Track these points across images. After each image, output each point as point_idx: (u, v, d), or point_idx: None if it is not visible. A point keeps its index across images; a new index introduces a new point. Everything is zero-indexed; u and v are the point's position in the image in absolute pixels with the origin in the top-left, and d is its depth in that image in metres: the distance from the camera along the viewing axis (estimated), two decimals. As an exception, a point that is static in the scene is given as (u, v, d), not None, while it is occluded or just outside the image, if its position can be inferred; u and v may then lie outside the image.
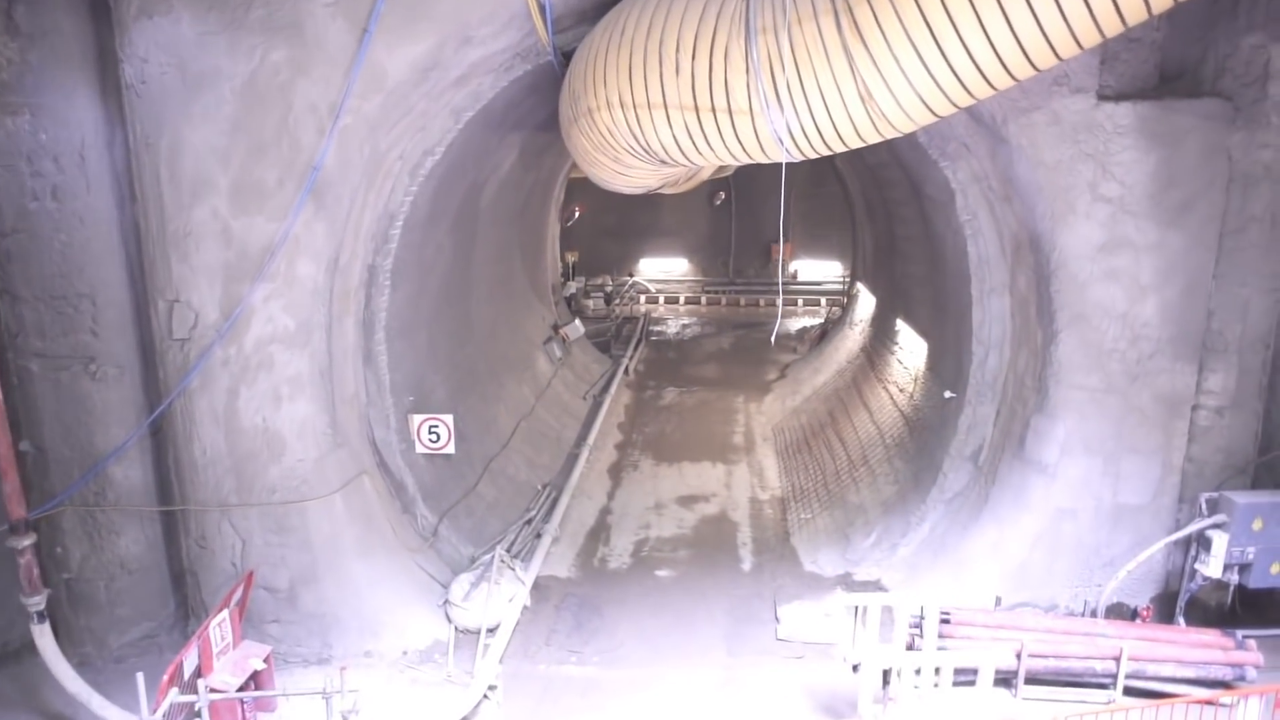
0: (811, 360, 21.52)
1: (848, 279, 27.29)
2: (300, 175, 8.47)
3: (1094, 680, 8.42)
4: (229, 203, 8.44)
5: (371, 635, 9.40)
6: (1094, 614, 9.43)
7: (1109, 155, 8.83)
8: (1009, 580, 9.69)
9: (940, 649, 8.03)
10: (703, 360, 24.39)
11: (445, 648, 9.49)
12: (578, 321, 22.80)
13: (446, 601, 9.89)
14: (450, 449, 11.06)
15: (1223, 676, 8.37)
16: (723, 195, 31.60)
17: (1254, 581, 8.85)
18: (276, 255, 8.54)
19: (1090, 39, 6.39)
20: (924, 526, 10.96)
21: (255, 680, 8.07)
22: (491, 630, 9.50)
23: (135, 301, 9.02)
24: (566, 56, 9.74)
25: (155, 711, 6.72)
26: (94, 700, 7.75)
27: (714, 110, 7.48)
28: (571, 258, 30.40)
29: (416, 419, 10.93)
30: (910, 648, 8.09)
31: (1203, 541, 8.92)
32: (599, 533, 12.98)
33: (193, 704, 7.11)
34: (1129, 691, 8.33)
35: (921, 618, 8.10)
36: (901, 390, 14.64)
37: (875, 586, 10.61)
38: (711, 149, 7.86)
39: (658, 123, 7.86)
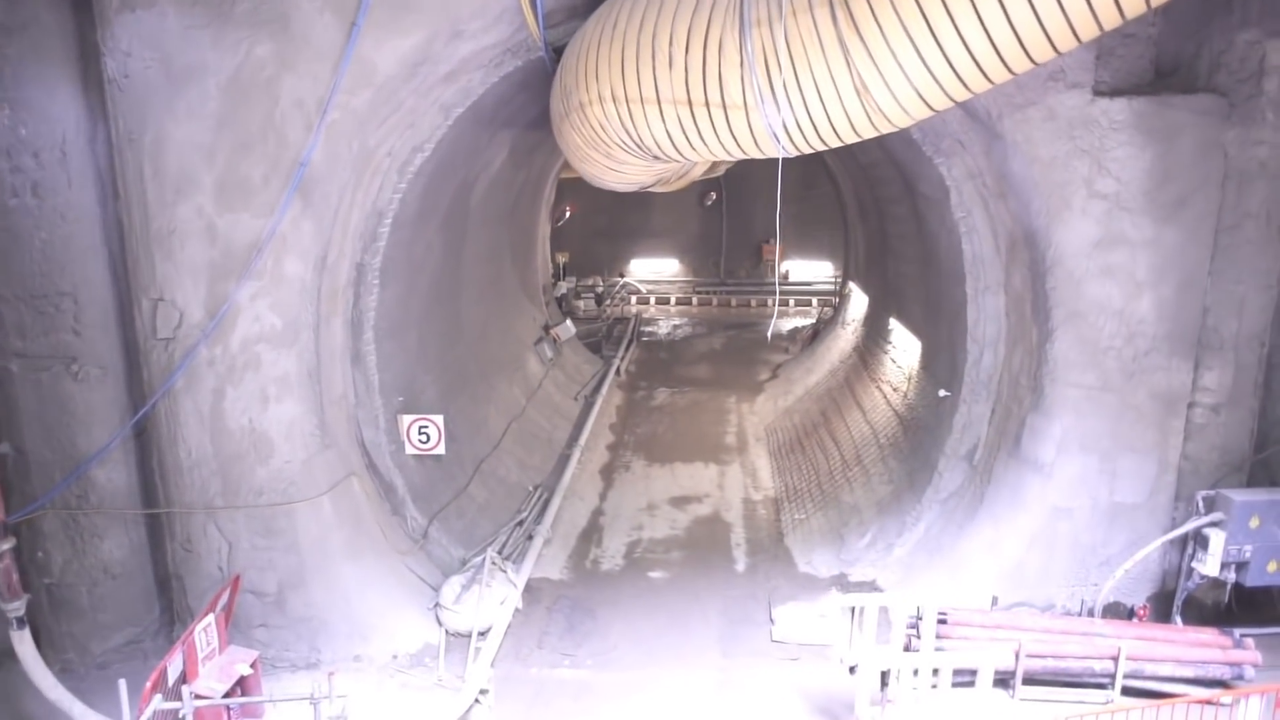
0: (804, 360, 21.47)
1: (839, 279, 27.29)
2: (287, 172, 8.34)
3: (1092, 680, 8.36)
4: (214, 200, 8.30)
5: (361, 639, 9.26)
6: (1091, 613, 9.38)
7: (1104, 151, 8.78)
8: (1005, 580, 9.63)
9: (938, 649, 7.95)
10: (694, 360, 24.33)
11: (436, 651, 9.36)
12: (569, 322, 22.70)
13: (437, 604, 9.76)
14: (440, 450, 10.95)
15: (1221, 675, 8.32)
16: (713, 196, 31.56)
17: (1251, 580, 8.82)
18: (263, 253, 8.40)
19: (1088, 32, 6.32)
20: (919, 526, 10.89)
21: (242, 686, 7.92)
22: (483, 633, 9.38)
23: (118, 300, 8.88)
24: (558, 52, 9.64)
25: (138, 719, 6.57)
26: (75, 708, 7.60)
27: (708, 104, 7.38)
28: (562, 258, 30.32)
29: (406, 420, 10.81)
30: (907, 649, 8.00)
31: (1200, 540, 8.88)
32: (591, 534, 12.87)
33: (177, 711, 6.95)
34: (1127, 691, 8.27)
35: (919, 618, 8.01)
36: (895, 389, 14.58)
37: (870, 587, 10.53)
38: (705, 144, 7.76)
39: (650, 117, 7.76)
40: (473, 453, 13.44)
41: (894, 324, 15.98)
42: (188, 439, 8.70)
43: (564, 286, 28.48)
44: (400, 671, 9.10)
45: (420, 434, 10.77)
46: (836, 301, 24.89)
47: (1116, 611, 9.49)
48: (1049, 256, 9.16)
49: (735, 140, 7.60)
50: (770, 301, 31.23)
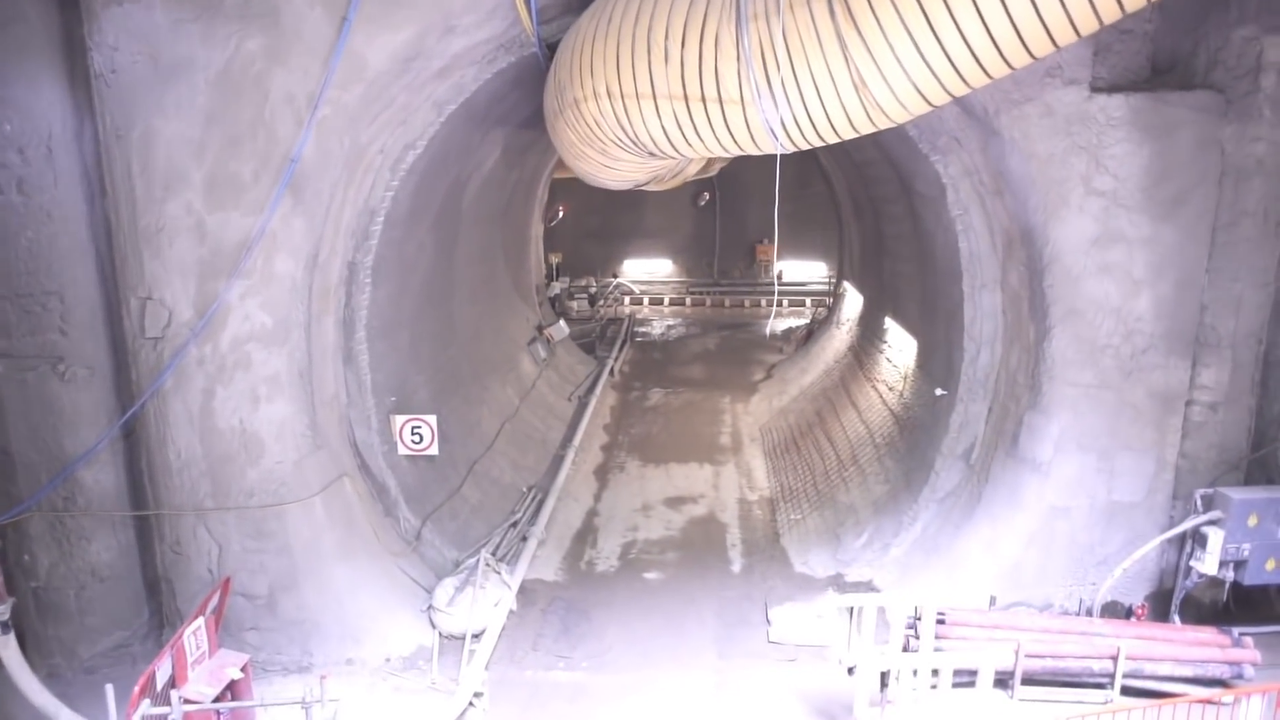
0: (798, 360, 21.42)
1: (833, 279, 27.27)
2: (277, 168, 8.24)
3: (1091, 680, 8.30)
4: (203, 197, 8.19)
5: (353, 642, 9.15)
6: (1089, 613, 9.34)
7: (1102, 148, 8.74)
8: (1003, 579, 9.57)
9: (937, 650, 7.88)
10: (688, 361, 24.26)
11: (429, 654, 9.26)
12: (562, 322, 22.63)
13: (430, 606, 9.66)
14: (433, 450, 10.85)
15: (1221, 675, 8.28)
16: (707, 196, 31.53)
17: (1249, 578, 8.79)
18: (253, 251, 8.29)
19: (1087, 26, 6.28)
20: (916, 526, 10.84)
21: (232, 690, 7.79)
22: (477, 636, 9.29)
23: (106, 299, 8.77)
24: (551, 48, 9.56)
25: (126, 724, 6.46)
26: (62, 713, 7.46)
27: (704, 100, 7.31)
28: (555, 259, 30.26)
29: (399, 420, 10.71)
30: (906, 649, 7.93)
31: (1198, 538, 8.84)
32: (586, 535, 12.78)
33: (166, 716, 6.84)
34: (1126, 691, 8.22)
35: (917, 618, 7.95)
36: (891, 389, 14.53)
37: (868, 587, 10.47)
38: (701, 140, 7.68)
39: (646, 113, 7.68)
40: (466, 453, 13.34)
41: (889, 323, 15.93)
42: (177, 440, 8.58)
43: (557, 287, 28.42)
44: (393, 675, 8.99)
45: (413, 434, 10.67)
46: (830, 301, 24.86)
47: (1115, 611, 9.45)
48: (1046, 254, 9.11)
49: (732, 136, 7.52)
50: (764, 302, 31.22)
